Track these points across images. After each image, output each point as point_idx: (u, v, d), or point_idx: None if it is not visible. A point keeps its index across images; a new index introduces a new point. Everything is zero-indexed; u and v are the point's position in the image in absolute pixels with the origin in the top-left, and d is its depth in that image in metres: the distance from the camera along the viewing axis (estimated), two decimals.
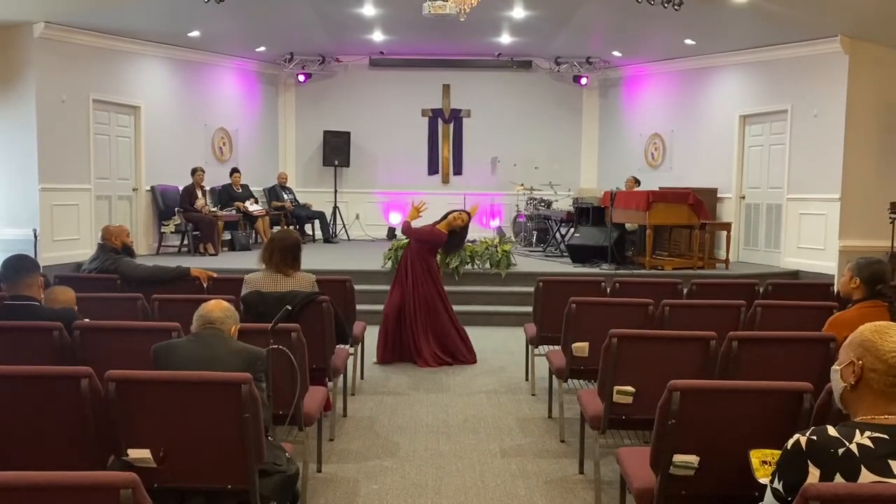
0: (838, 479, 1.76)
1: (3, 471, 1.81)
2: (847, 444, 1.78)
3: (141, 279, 5.37)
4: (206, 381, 2.71)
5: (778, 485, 1.85)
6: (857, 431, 1.79)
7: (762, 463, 2.38)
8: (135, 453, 2.71)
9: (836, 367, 1.93)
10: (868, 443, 1.77)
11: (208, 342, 3.04)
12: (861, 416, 1.85)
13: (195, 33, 10.26)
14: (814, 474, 1.78)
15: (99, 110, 9.82)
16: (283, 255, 4.60)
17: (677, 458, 2.69)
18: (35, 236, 8.68)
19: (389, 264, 8.69)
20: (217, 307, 3.14)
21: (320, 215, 12.31)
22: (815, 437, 1.80)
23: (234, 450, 2.71)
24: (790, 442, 1.83)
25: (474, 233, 11.37)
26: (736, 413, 2.69)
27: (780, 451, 1.90)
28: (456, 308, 6.82)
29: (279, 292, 4.41)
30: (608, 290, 5.57)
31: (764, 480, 2.27)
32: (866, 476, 1.75)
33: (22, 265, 3.81)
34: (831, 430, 1.81)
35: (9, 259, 3.89)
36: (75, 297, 4.08)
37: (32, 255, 8.12)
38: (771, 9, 8.24)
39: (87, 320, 3.82)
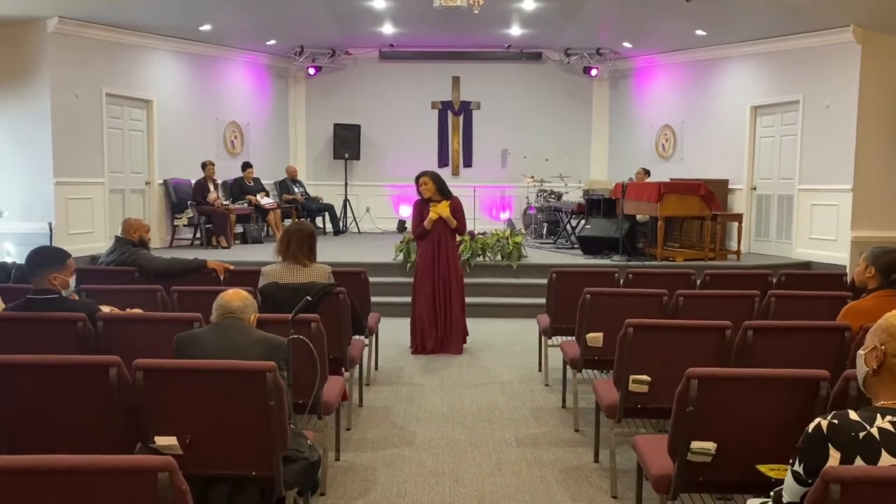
0: (859, 462, 1.79)
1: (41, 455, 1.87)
2: (868, 427, 1.81)
3: (158, 271, 5.42)
4: (231, 369, 2.76)
5: (798, 467, 1.88)
6: (879, 416, 1.83)
7: (771, 470, 2.43)
8: (161, 440, 2.76)
9: (861, 351, 1.97)
10: (889, 427, 1.81)
11: (230, 332, 3.09)
12: (882, 401, 1.88)
13: (206, 27, 10.31)
14: (834, 457, 1.81)
15: (112, 104, 9.88)
16: (300, 246, 4.64)
17: (695, 444, 2.72)
18: (50, 229, 8.77)
19: (401, 257, 8.74)
20: (236, 297, 3.18)
21: (330, 208, 12.36)
22: (836, 421, 1.83)
23: (259, 437, 2.76)
24: (811, 425, 1.87)
25: (485, 225, 11.43)
26: (753, 400, 2.72)
27: (785, 466, 1.94)
28: (467, 300, 6.86)
29: (297, 283, 4.46)
30: (621, 281, 5.60)
31: (778, 478, 2.33)
32: (886, 459, 1.78)
33: (33, 261, 3.83)
34: (853, 415, 1.84)
35: (29, 253, 3.94)
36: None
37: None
38: None
39: (109, 311, 3.88)
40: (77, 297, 4.13)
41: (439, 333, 6.55)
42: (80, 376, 2.82)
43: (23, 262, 4.08)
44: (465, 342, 6.68)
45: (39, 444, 2.76)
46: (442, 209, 6.42)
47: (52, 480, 1.79)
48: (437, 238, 6.51)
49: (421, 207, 6.56)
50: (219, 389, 2.76)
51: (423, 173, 6.58)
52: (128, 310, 4.13)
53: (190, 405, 2.77)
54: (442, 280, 6.50)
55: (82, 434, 2.83)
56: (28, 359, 2.85)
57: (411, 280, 6.80)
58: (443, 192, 6.52)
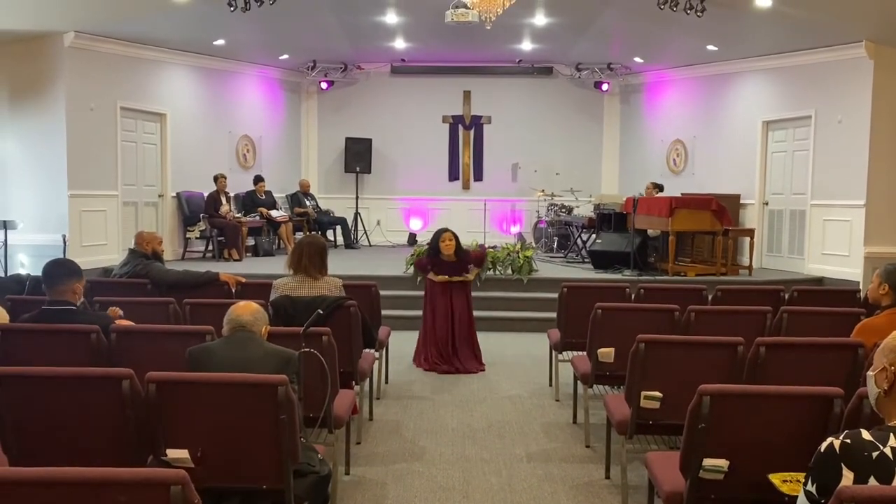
0: (872, 482, 1.78)
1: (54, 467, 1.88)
2: (881, 447, 1.80)
3: (171, 284, 5.46)
4: (243, 382, 2.77)
5: (811, 487, 1.87)
6: (892, 435, 1.81)
7: (784, 482, 2.41)
8: (173, 453, 2.77)
9: (870, 372, 1.95)
10: None
11: (242, 345, 3.10)
12: (895, 421, 1.87)
13: (220, 42, 10.41)
14: (848, 477, 1.79)
15: (126, 118, 9.98)
16: (311, 259, 4.66)
17: (707, 462, 2.71)
18: (64, 242, 8.84)
19: (411, 270, 8.75)
20: (246, 310, 3.18)
21: (342, 221, 12.41)
22: (849, 441, 1.82)
23: (270, 450, 2.76)
24: (824, 445, 1.85)
25: (495, 239, 11.44)
26: (766, 418, 2.70)
27: (799, 473, 1.92)
28: (477, 314, 6.87)
29: (309, 297, 4.48)
30: (632, 296, 5.58)
31: (791, 494, 2.31)
32: None
33: (56, 272, 3.88)
34: (865, 434, 1.83)
35: (47, 265, 3.98)
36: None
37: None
38: (794, 14, 8.22)
39: (126, 323, 3.91)
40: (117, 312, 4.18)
41: (450, 362, 6.52)
42: (94, 388, 2.84)
43: (37, 273, 4.13)
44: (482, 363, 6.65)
45: (52, 456, 2.78)
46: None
47: (65, 493, 1.80)
48: (448, 295, 6.53)
49: (429, 268, 6.60)
50: (230, 403, 2.77)
51: (447, 230, 6.62)
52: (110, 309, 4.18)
53: (202, 418, 2.78)
54: (450, 325, 6.51)
55: (95, 446, 2.84)
56: (42, 370, 2.87)
57: (422, 293, 6.81)
58: (459, 253, 6.58)
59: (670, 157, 12.11)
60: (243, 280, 5.61)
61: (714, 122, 11.27)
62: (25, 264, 8.95)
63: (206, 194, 10.80)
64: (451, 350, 6.51)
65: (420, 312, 6.77)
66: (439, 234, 6.61)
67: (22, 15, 8.21)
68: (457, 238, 6.60)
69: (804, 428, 2.68)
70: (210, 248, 10.70)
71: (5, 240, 8.83)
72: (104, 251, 9.49)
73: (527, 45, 11.62)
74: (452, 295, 6.55)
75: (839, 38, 8.97)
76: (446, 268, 6.54)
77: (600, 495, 3.93)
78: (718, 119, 11.20)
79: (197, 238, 10.77)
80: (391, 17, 10.03)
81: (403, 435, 4.84)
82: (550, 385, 5.97)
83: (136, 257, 5.65)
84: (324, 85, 12.98)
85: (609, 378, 4.63)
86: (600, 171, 13.32)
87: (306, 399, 3.33)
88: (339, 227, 12.39)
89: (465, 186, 13.34)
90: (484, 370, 6.50)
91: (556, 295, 5.82)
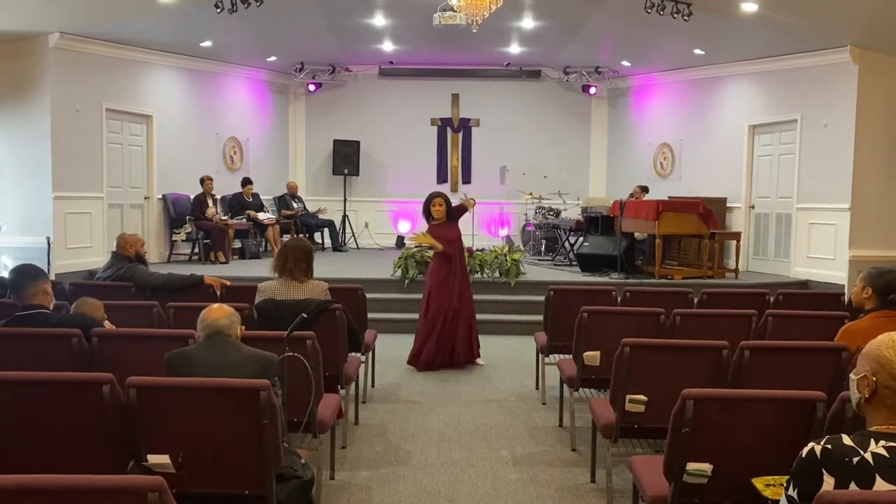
0: (853, 487, 1.78)
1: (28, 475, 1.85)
2: (862, 452, 1.80)
3: (155, 287, 5.42)
4: (225, 387, 2.75)
5: (793, 492, 1.87)
6: (872, 440, 1.82)
7: (767, 486, 2.42)
8: (154, 458, 2.75)
9: (853, 375, 1.96)
10: (883, 452, 1.80)
11: (221, 349, 3.07)
12: (876, 426, 1.87)
13: (207, 43, 10.36)
14: (828, 482, 1.80)
15: (112, 119, 9.91)
16: (297, 262, 4.64)
17: (691, 466, 2.71)
18: (48, 244, 8.76)
19: (399, 273, 8.73)
20: (221, 313, 3.12)
21: (330, 224, 12.37)
22: (829, 446, 1.82)
23: (252, 455, 2.74)
24: (805, 450, 1.86)
25: (483, 241, 11.43)
26: (749, 422, 2.71)
27: (782, 476, 1.92)
28: None
29: (294, 300, 4.45)
30: (619, 299, 5.59)
31: (774, 498, 2.31)
32: (881, 485, 1.77)
33: (27, 274, 3.83)
34: (846, 439, 1.83)
35: (14, 269, 3.94)
36: (102, 308, 4.14)
37: (45, 263, 8.24)
38: (780, 19, 8.28)
39: (110, 326, 3.87)
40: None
41: (445, 355, 6.57)
42: (74, 393, 2.80)
43: None
44: (476, 354, 6.74)
45: (33, 462, 2.75)
46: (423, 239, 6.58)
47: (39, 501, 1.77)
48: (455, 260, 6.59)
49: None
50: (212, 407, 2.75)
51: (439, 194, 6.74)
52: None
53: (183, 423, 2.75)
54: (455, 300, 6.55)
55: (76, 451, 2.81)
56: (21, 376, 2.84)
57: (409, 297, 6.82)
58: (450, 215, 6.66)
59: (657, 161, 12.16)
60: (228, 283, 5.57)
61: (701, 126, 11.32)
62: (9, 267, 8.85)
63: (192, 196, 10.74)
64: (444, 332, 6.52)
65: (408, 315, 6.75)
66: (431, 198, 6.68)
67: (6, 15, 8.13)
68: (448, 201, 6.67)
69: (788, 432, 2.69)
70: (196, 250, 10.64)
71: None
72: (89, 254, 9.41)
73: (515, 49, 11.63)
74: (454, 277, 6.57)
75: (824, 43, 9.04)
76: (438, 230, 6.59)
77: (585, 499, 3.92)
78: (705, 122, 11.25)
79: (183, 240, 10.71)
80: (379, 20, 10.02)
81: (389, 439, 4.82)
82: (537, 388, 5.97)
83: (119, 260, 5.60)
84: (311, 87, 12.95)
85: (595, 381, 4.62)
86: (588, 175, 13.36)
87: (290, 403, 3.31)
88: (326, 230, 12.35)
89: (454, 189, 13.30)
90: (477, 361, 6.57)
91: (543, 298, 5.82)
